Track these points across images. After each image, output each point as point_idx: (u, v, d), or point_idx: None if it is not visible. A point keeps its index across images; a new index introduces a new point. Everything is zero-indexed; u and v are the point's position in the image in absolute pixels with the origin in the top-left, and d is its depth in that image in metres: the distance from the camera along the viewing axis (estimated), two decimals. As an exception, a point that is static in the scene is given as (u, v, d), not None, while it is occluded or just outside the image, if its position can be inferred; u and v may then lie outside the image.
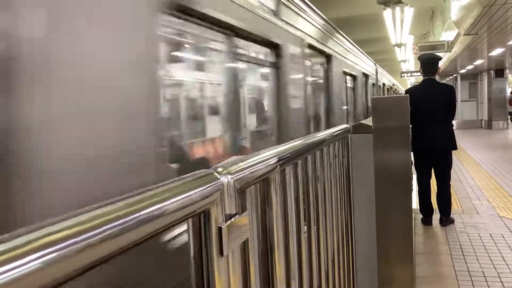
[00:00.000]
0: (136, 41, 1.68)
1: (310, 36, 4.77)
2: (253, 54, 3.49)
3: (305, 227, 1.50)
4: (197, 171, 0.82)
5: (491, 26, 8.27)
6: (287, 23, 3.90)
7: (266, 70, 3.78)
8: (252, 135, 3.62)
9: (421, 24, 17.61)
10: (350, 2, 13.44)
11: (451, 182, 5.18)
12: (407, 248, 2.63)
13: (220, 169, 0.87)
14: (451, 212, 5.15)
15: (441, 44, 13.67)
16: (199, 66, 2.95)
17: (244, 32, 2.98)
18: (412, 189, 4.13)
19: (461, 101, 19.76)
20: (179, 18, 2.21)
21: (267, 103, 3.94)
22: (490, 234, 4.65)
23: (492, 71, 19.18)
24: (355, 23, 15.55)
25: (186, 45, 2.68)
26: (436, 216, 5.14)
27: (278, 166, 1.18)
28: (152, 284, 1.60)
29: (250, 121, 3.66)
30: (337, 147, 2.08)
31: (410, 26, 14.41)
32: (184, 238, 1.75)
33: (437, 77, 5.22)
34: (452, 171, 5.16)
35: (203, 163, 2.60)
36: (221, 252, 0.78)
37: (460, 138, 5.15)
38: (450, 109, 5.02)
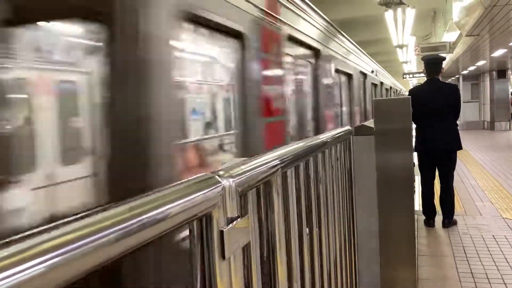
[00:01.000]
0: None
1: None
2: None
3: (307, 229, 1.50)
4: (198, 175, 0.82)
5: (493, 27, 8.26)
6: None
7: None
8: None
9: (422, 25, 17.60)
10: (352, 3, 13.44)
11: (454, 184, 5.17)
12: (410, 250, 2.62)
13: (221, 172, 0.87)
14: (454, 214, 5.14)
15: (443, 45, 13.66)
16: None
17: None
18: (415, 191, 4.11)
19: (464, 102, 19.69)
20: None
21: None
22: (493, 236, 4.63)
23: (494, 72, 19.15)
24: (356, 25, 15.55)
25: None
26: (438, 218, 5.13)
27: (280, 169, 1.18)
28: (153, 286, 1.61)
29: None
30: (339, 149, 2.08)
31: (412, 27, 14.41)
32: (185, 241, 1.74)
33: (439, 78, 5.21)
34: (454, 173, 5.15)
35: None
36: (222, 255, 0.78)
37: (463, 139, 5.13)
38: (454, 109, 5.00)
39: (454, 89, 5.18)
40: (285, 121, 3.13)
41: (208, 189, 0.77)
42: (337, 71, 5.58)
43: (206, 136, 2.37)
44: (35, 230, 0.46)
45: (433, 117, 4.86)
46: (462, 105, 5.34)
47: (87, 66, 1.56)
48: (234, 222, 0.84)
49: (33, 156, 1.43)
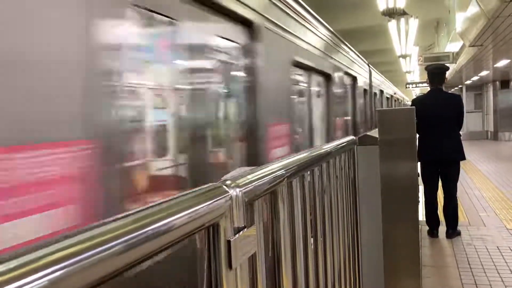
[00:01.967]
0: None
1: None
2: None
3: (312, 239, 1.50)
4: (206, 185, 0.83)
5: (496, 38, 8.27)
6: None
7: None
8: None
9: (426, 35, 17.66)
10: (355, 13, 13.51)
11: (457, 194, 5.16)
12: (414, 260, 2.61)
13: (228, 182, 0.88)
14: (458, 224, 5.11)
15: (446, 55, 13.69)
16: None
17: None
18: (419, 201, 4.09)
19: (467, 112, 19.67)
20: None
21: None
22: (497, 247, 4.61)
23: (497, 82, 19.16)
24: (360, 35, 15.62)
25: None
26: (442, 228, 5.10)
27: (286, 179, 1.18)
28: None
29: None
30: (343, 159, 2.08)
31: (415, 38, 14.46)
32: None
33: (443, 88, 5.21)
34: (458, 183, 5.13)
35: None
36: (229, 265, 0.78)
37: (466, 149, 5.11)
38: (457, 119, 4.99)
39: (457, 99, 5.18)
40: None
41: (216, 199, 0.78)
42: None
43: None
44: (38, 243, 0.46)
45: (436, 127, 4.86)
46: (466, 115, 5.33)
47: None
48: (241, 232, 0.84)
49: None
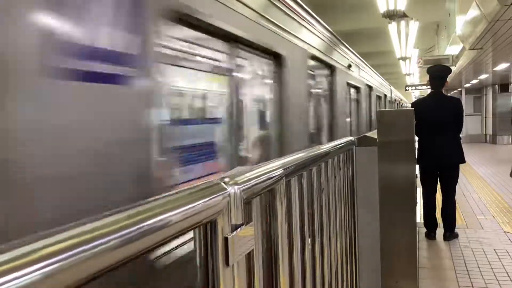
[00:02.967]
0: None
1: None
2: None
3: (309, 239, 1.50)
4: (204, 182, 0.83)
5: (496, 41, 8.29)
6: None
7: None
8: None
9: (426, 38, 17.68)
10: (355, 16, 13.52)
11: (456, 197, 5.16)
12: (411, 262, 2.61)
13: (227, 180, 0.88)
14: (455, 227, 5.12)
15: (446, 58, 13.71)
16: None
17: None
18: (417, 203, 4.09)
19: (466, 115, 19.64)
20: None
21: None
22: (494, 250, 4.61)
23: (497, 86, 19.19)
24: (360, 37, 15.63)
25: None
26: (439, 231, 5.11)
27: (284, 177, 1.18)
28: None
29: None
30: (341, 159, 2.09)
31: (415, 40, 14.47)
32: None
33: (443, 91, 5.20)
34: (456, 186, 5.14)
35: None
36: (226, 262, 0.79)
37: (465, 152, 5.12)
38: (457, 122, 5.00)
39: (457, 102, 5.18)
40: None
41: (214, 196, 0.78)
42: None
43: None
44: (32, 236, 0.45)
45: (436, 130, 4.86)
46: (464, 118, 5.34)
47: None
48: (239, 229, 0.84)
49: None
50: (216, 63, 2.53)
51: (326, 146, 1.82)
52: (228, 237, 0.79)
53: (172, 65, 2.00)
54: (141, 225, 0.59)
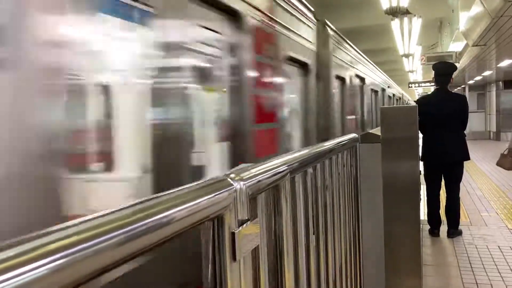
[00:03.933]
0: None
1: None
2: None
3: (313, 235, 1.51)
4: (210, 178, 0.84)
5: (500, 38, 8.26)
6: None
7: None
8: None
9: (429, 35, 17.61)
10: (358, 12, 13.48)
11: (459, 194, 5.16)
12: (415, 259, 2.61)
13: (233, 175, 0.89)
14: (459, 224, 5.11)
15: (449, 55, 13.66)
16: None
17: None
18: (420, 199, 4.09)
19: (469, 112, 19.62)
20: None
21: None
22: (498, 246, 4.61)
23: (500, 82, 19.12)
24: (363, 33, 15.59)
25: None
26: (443, 228, 5.11)
27: (289, 174, 1.19)
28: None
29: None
30: (345, 156, 2.09)
31: (418, 37, 14.43)
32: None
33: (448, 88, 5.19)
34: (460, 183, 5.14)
35: None
36: (234, 258, 0.79)
37: (468, 149, 5.12)
38: (462, 119, 4.99)
39: (463, 99, 5.16)
40: None
41: (220, 191, 0.79)
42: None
43: None
44: (37, 232, 0.45)
45: (441, 127, 4.84)
46: (468, 115, 5.33)
47: None
48: (245, 225, 0.85)
49: None
50: None
51: (329, 143, 1.82)
52: (235, 232, 0.80)
53: None
54: (152, 218, 0.59)
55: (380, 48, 18.91)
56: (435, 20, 16.45)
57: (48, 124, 1.09)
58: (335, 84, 4.51)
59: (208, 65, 2.09)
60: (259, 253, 0.98)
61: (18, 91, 1.00)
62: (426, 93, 6.03)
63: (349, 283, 2.04)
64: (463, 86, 21.46)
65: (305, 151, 1.47)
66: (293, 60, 3.25)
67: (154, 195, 0.66)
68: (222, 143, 2.20)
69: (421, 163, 4.60)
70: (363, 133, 2.70)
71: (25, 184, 1.01)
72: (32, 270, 0.40)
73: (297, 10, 3.34)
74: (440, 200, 5.14)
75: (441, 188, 5.11)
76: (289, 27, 3.10)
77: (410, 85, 24.73)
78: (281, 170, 1.15)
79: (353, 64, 5.64)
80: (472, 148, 5.08)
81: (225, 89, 2.24)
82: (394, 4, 9.92)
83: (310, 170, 1.46)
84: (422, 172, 5.05)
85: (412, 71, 23.40)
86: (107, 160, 1.40)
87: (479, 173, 9.69)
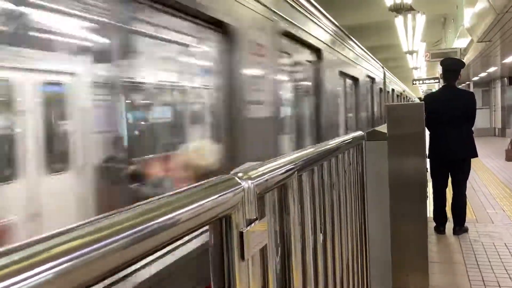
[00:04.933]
0: None
1: None
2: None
3: (321, 233, 1.50)
4: (217, 176, 0.83)
5: (505, 33, 8.21)
6: None
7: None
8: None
9: (433, 31, 17.54)
10: (362, 9, 13.44)
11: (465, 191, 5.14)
12: (422, 256, 2.60)
13: (240, 174, 0.88)
14: (465, 221, 5.09)
15: (453, 51, 13.60)
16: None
17: None
18: (427, 196, 4.08)
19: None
20: None
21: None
22: (505, 244, 4.58)
23: (505, 79, 19.01)
24: (366, 30, 15.54)
25: None
26: (449, 225, 5.08)
27: (296, 172, 1.18)
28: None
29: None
30: (351, 154, 2.08)
31: (422, 33, 14.37)
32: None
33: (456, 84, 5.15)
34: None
35: None
36: (242, 257, 0.79)
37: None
38: (470, 116, 4.95)
39: (471, 96, 5.13)
40: None
41: (229, 190, 0.78)
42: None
43: None
44: (43, 235, 0.45)
45: (448, 124, 4.81)
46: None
47: None
48: (253, 224, 0.84)
49: None
50: None
51: (335, 141, 1.82)
52: (243, 231, 0.79)
53: None
54: (161, 219, 0.59)
55: (384, 45, 18.85)
56: (439, 16, 16.37)
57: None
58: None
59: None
60: (267, 252, 0.98)
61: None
62: (431, 90, 6.07)
63: (356, 280, 2.04)
64: (467, 82, 21.36)
65: (311, 150, 1.46)
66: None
67: (162, 195, 0.65)
68: None
69: (427, 160, 4.59)
70: (369, 130, 2.69)
71: None
72: (40, 273, 0.40)
73: (374, 60, 7.35)
74: (446, 197, 5.12)
75: (448, 185, 5.09)
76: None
77: (414, 82, 24.66)
78: (288, 168, 1.14)
79: (390, 83, 10.64)
80: (478, 145, 5.05)
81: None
82: (398, 1, 9.89)
83: (317, 169, 1.46)
84: (429, 169, 5.03)
85: (416, 68, 23.32)
86: None
87: (485, 170, 9.64)
